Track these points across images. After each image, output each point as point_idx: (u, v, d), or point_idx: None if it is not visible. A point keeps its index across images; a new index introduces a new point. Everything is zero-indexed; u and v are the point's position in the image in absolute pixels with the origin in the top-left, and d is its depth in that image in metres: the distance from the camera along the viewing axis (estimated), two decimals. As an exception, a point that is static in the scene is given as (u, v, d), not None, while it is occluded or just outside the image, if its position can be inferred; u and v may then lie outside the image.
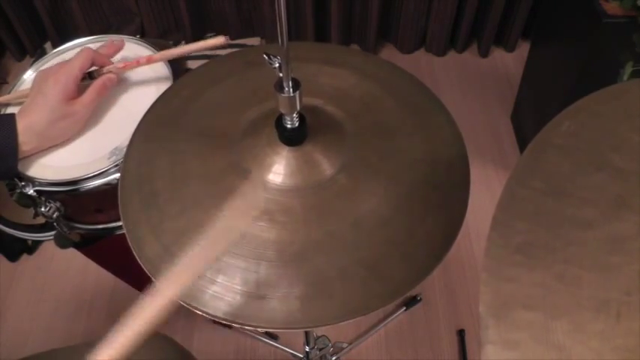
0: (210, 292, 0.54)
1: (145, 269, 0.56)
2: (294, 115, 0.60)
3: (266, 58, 0.55)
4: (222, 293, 0.54)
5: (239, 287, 0.54)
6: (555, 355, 0.36)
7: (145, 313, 0.45)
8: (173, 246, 0.57)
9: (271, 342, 1.28)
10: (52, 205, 0.78)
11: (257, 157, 0.63)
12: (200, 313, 0.53)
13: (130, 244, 0.58)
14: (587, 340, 0.36)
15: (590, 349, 0.36)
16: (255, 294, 0.54)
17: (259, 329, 0.53)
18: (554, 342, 0.36)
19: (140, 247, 0.57)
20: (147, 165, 0.65)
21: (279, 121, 0.61)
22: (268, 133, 0.63)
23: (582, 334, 0.36)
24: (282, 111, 0.59)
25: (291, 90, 0.57)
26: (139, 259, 0.57)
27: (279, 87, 0.57)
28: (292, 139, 0.62)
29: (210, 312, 0.53)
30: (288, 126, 0.61)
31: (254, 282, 0.54)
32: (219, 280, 0.54)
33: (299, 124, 0.61)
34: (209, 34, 1.93)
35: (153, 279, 0.56)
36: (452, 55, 1.90)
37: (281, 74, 0.56)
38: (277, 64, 0.55)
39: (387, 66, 0.75)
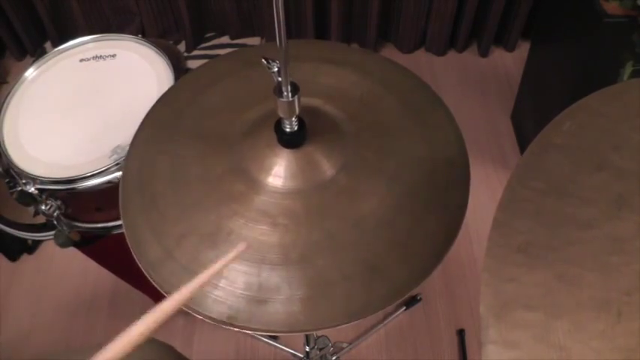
0: (213, 296, 0.54)
1: (145, 272, 0.56)
2: (293, 119, 0.60)
3: (264, 62, 0.55)
4: (225, 297, 0.54)
5: (241, 291, 0.54)
6: (556, 354, 0.36)
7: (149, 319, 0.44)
8: (173, 249, 0.57)
9: (271, 342, 1.28)
10: (52, 203, 0.78)
11: (257, 159, 0.62)
12: (203, 318, 0.53)
13: (130, 246, 0.58)
14: (588, 340, 0.36)
15: (590, 348, 0.36)
16: (258, 298, 0.54)
17: (262, 332, 0.53)
18: (555, 342, 0.36)
19: (140, 250, 0.57)
20: (147, 168, 0.65)
21: (279, 125, 0.61)
22: (268, 135, 0.62)
23: (583, 334, 0.36)
24: (281, 115, 0.59)
25: (289, 94, 0.57)
26: (139, 262, 0.57)
27: (278, 91, 0.57)
28: (291, 142, 0.62)
29: (214, 316, 0.53)
30: (287, 130, 0.60)
31: (256, 286, 0.54)
32: (221, 285, 0.54)
33: (298, 128, 0.61)
34: (209, 35, 1.93)
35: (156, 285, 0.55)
36: (452, 54, 1.90)
37: (280, 78, 0.55)
38: (276, 69, 0.55)
39: (386, 63, 0.75)
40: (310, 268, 0.55)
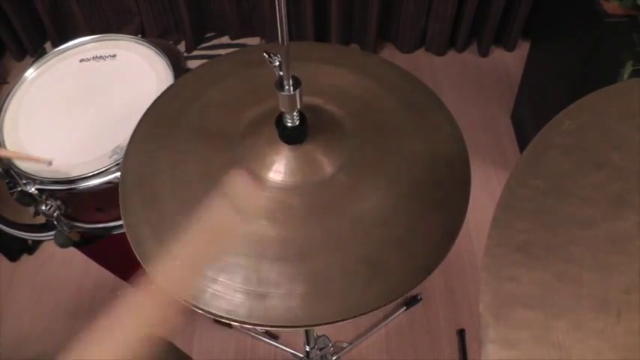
0: (212, 290, 0.54)
1: (145, 270, 0.56)
2: (295, 113, 0.60)
3: (266, 56, 0.55)
4: (224, 292, 0.54)
5: (240, 286, 0.54)
6: (555, 354, 0.36)
7: (138, 312, 0.43)
8: (174, 246, 0.57)
9: (272, 342, 1.28)
10: (52, 203, 0.79)
11: (257, 156, 0.63)
12: (201, 312, 0.53)
13: (130, 244, 0.58)
14: (587, 339, 0.36)
15: (589, 348, 0.36)
16: (257, 292, 0.54)
17: (260, 328, 0.53)
18: (554, 341, 0.36)
19: (141, 248, 0.57)
20: (147, 165, 0.65)
21: (280, 120, 0.61)
22: (268, 133, 0.63)
23: (582, 333, 0.36)
24: (283, 109, 0.59)
25: (291, 88, 0.57)
26: (139, 259, 0.57)
27: (280, 85, 0.57)
28: (293, 137, 0.62)
29: (212, 311, 0.53)
30: (289, 125, 0.61)
31: (255, 280, 0.54)
32: (220, 279, 0.54)
33: (299, 123, 0.61)
34: (209, 35, 1.93)
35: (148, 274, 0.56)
36: (452, 54, 1.90)
37: (281, 72, 0.56)
38: (277, 63, 0.55)
39: (386, 65, 0.75)
40: (309, 264, 0.55)
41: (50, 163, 0.78)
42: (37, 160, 0.79)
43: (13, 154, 0.80)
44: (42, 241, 1.46)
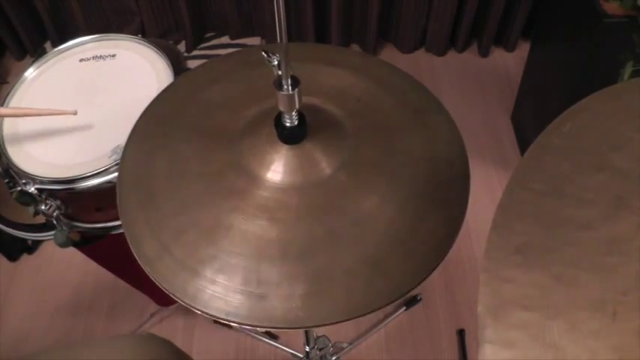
0: (211, 291, 0.54)
1: (143, 268, 0.56)
2: (294, 113, 0.60)
3: (265, 55, 0.55)
4: (223, 293, 0.54)
5: (240, 287, 0.54)
6: (551, 354, 0.36)
7: None
8: (172, 245, 0.57)
9: (271, 342, 1.28)
10: (52, 203, 0.79)
11: (256, 155, 0.63)
12: (201, 313, 0.53)
13: (128, 243, 0.58)
14: (583, 340, 0.36)
15: (585, 348, 0.36)
16: (257, 293, 0.54)
17: (260, 329, 0.53)
18: (551, 341, 0.36)
19: (139, 247, 0.57)
20: (145, 164, 0.65)
21: (279, 120, 0.61)
22: (268, 132, 0.63)
23: (578, 334, 0.36)
24: (282, 109, 0.59)
25: (290, 87, 0.57)
26: (137, 258, 0.57)
27: (278, 85, 0.57)
28: (291, 137, 0.62)
29: (212, 312, 0.53)
30: (288, 124, 0.61)
31: (255, 281, 0.54)
32: (219, 280, 0.54)
33: (298, 123, 0.61)
34: (209, 35, 1.93)
35: (152, 277, 0.56)
36: (452, 54, 1.90)
37: (280, 72, 0.56)
38: (276, 62, 0.55)
39: (385, 67, 0.75)
40: (309, 265, 0.55)
41: (75, 113, 0.80)
42: (60, 114, 0.80)
43: (36, 110, 0.82)
44: (42, 241, 1.46)
